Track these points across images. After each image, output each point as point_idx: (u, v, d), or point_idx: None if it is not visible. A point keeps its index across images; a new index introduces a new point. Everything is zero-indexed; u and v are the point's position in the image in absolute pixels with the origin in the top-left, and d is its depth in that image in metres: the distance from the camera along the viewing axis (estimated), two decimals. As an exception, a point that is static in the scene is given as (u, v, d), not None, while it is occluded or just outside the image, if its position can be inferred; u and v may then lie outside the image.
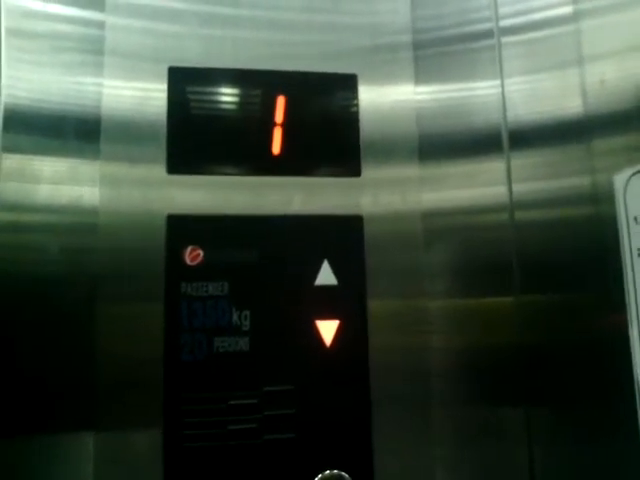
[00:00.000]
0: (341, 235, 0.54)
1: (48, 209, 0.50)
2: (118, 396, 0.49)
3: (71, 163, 0.51)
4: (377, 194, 0.56)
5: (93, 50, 0.53)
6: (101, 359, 0.49)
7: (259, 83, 0.55)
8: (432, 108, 0.60)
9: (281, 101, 0.55)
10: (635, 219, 0.40)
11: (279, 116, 0.55)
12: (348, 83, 0.57)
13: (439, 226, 0.58)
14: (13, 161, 0.50)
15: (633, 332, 0.41)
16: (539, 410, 0.53)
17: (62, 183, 0.51)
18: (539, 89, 0.55)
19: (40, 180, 0.50)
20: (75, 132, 0.52)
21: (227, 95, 0.55)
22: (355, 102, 0.57)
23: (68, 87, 0.52)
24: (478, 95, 0.60)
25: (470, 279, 0.58)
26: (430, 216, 0.58)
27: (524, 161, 0.57)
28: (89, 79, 0.53)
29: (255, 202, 0.54)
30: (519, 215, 0.57)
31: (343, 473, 0.51)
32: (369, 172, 0.56)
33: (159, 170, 0.52)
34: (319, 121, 0.56)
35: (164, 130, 0.53)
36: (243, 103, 0.55)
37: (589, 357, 0.48)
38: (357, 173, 0.55)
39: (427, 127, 0.59)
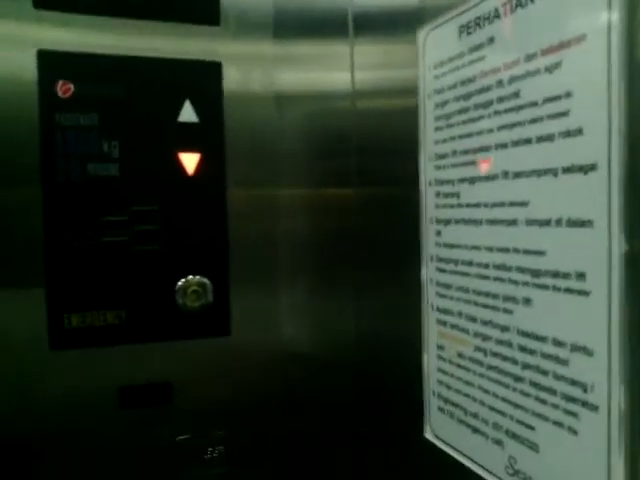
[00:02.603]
0: (202, 78, 0.61)
1: None
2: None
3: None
4: (235, 47, 0.63)
5: None
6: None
7: None
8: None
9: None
10: (429, 67, 0.49)
11: (146, -38, 0.59)
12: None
13: (289, 103, 0.64)
14: None
15: (420, 163, 0.50)
16: (364, 273, 0.63)
17: None
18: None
19: None
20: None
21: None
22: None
23: None
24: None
25: (316, 166, 0.65)
26: (282, 93, 0.64)
27: (367, 48, 0.61)
28: None
29: (122, 43, 0.59)
30: (364, 103, 0.61)
31: (204, 278, 0.62)
32: (229, 25, 0.62)
33: (26, 5, 0.56)
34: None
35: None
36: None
37: (405, 238, 0.53)
38: (216, 22, 0.62)
39: (283, 2, 0.63)
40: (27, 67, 0.56)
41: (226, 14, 0.62)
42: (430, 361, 0.50)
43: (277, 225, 0.65)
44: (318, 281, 0.67)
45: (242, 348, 0.64)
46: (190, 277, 0.62)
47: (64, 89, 0.57)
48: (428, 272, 0.49)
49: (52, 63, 0.56)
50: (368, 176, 0.63)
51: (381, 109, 0.62)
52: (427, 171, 0.49)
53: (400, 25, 0.55)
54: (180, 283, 0.61)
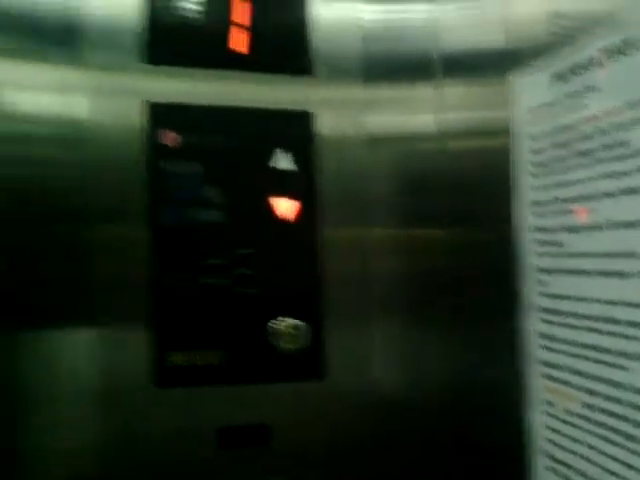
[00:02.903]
0: (297, 126, 0.63)
1: (34, 119, 0.56)
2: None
3: (54, 70, 0.57)
4: (328, 94, 0.64)
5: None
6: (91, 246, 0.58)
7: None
8: (378, 29, 0.65)
9: (247, 6, 0.63)
10: (522, 113, 0.47)
11: (245, 19, 0.63)
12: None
13: (379, 146, 0.65)
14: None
15: (516, 208, 0.49)
16: (455, 315, 0.63)
17: (45, 91, 0.56)
18: (469, 18, 0.60)
19: (22, 89, 0.55)
20: (56, 37, 0.56)
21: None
22: (306, 9, 0.64)
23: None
24: (418, 18, 0.65)
25: (407, 208, 0.66)
26: (372, 136, 0.65)
27: (453, 90, 0.63)
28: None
29: (223, 95, 0.62)
30: (451, 144, 0.62)
31: (301, 321, 0.63)
32: (322, 73, 0.64)
33: (138, 59, 0.60)
34: (280, 25, 0.63)
35: (141, 25, 0.60)
36: (214, 4, 0.62)
37: (496, 282, 0.55)
38: (310, 72, 0.64)
39: (372, 48, 0.65)
40: (136, 117, 0.59)
41: (319, 63, 0.64)
42: (536, 417, 0.48)
43: (369, 267, 0.65)
44: (410, 323, 0.66)
45: (337, 390, 0.64)
46: (287, 320, 0.63)
47: (170, 138, 0.60)
48: (531, 323, 0.47)
49: (160, 114, 0.60)
50: (457, 216, 0.62)
51: (469, 150, 0.61)
52: (525, 217, 0.48)
53: (486, 68, 0.56)
54: (277, 326, 0.62)
